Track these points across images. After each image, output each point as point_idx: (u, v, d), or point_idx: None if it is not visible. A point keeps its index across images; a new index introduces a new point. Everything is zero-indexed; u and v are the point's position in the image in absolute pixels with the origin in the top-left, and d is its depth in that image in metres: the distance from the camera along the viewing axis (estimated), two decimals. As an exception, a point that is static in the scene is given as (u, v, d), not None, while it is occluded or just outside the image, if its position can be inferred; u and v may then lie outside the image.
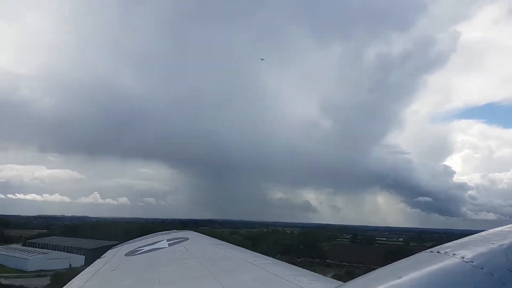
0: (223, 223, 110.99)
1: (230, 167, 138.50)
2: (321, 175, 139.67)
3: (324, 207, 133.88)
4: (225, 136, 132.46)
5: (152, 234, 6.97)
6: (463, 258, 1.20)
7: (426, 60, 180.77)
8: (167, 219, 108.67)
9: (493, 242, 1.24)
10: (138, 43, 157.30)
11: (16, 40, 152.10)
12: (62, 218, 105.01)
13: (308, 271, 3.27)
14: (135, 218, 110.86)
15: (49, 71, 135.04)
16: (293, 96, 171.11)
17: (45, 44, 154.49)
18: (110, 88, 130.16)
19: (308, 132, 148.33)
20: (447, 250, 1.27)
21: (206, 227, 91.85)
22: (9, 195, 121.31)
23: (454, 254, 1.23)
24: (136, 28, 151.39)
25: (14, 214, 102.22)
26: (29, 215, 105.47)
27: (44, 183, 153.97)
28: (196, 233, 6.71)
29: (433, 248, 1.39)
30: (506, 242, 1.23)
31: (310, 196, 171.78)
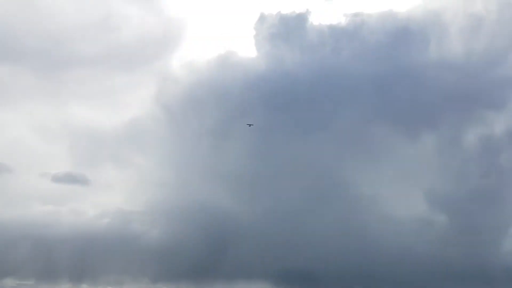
0: None
1: (332, 279, 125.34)
2: (442, 279, 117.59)
3: None
4: (323, 245, 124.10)
5: None
6: None
7: None
8: None
9: None
10: (228, 166, 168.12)
11: (127, 181, 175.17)
12: None
13: None
14: None
15: (155, 204, 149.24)
16: (392, 195, 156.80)
17: (151, 181, 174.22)
18: (209, 211, 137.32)
19: (418, 231, 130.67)
20: None
21: None
22: None
23: None
24: (225, 154, 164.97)
25: None
26: None
27: None
28: None
29: None
30: None
31: None
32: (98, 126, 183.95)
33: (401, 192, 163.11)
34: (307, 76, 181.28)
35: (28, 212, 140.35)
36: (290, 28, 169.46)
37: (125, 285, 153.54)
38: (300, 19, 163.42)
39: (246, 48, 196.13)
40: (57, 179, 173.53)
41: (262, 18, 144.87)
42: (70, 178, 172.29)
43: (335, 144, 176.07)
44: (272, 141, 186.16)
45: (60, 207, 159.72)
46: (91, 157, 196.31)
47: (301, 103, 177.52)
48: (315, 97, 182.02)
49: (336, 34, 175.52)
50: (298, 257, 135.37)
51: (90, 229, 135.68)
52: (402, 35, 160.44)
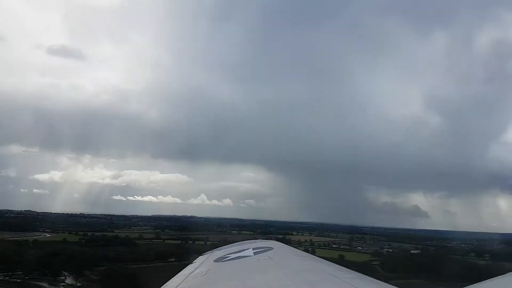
0: (323, 226, 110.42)
1: (327, 170, 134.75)
2: (431, 177, 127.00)
3: (436, 211, 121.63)
4: (319, 137, 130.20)
5: (240, 242, 7.29)
6: None
7: None
8: (266, 220, 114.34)
9: None
10: (227, 53, 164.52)
11: (123, 59, 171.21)
12: (175, 218, 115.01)
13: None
14: (237, 218, 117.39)
15: (152, 85, 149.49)
16: (393, 93, 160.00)
17: (147, 61, 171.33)
18: (205, 97, 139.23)
19: (413, 131, 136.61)
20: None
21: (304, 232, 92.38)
22: (129, 197, 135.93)
23: None
24: (224, 40, 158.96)
25: (133, 214, 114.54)
26: (147, 215, 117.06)
27: (159, 186, 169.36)
28: (281, 243, 6.81)
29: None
30: None
31: (419, 200, 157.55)
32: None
33: (400, 91, 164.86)
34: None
35: (27, 82, 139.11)
36: None
37: (127, 158, 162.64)
38: None
39: None
40: (53, 51, 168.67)
41: None
42: (65, 52, 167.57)
43: (341, 36, 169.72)
44: (276, 27, 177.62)
45: (59, 81, 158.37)
46: (86, 30, 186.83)
47: None
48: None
49: None
50: (292, 148, 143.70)
51: (90, 104, 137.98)
52: None
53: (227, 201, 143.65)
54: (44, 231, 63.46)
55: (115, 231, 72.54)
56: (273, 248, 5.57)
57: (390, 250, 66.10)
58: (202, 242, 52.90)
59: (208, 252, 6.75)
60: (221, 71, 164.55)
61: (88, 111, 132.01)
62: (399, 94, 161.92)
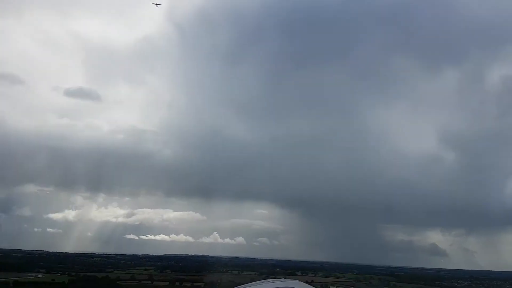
0: (338, 266, 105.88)
1: (340, 207, 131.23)
2: (448, 214, 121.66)
3: (454, 250, 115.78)
4: (332, 175, 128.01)
5: (262, 280, 7.51)
6: None
7: None
8: (279, 259, 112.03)
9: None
10: (240, 93, 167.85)
11: (141, 100, 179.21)
12: (184, 257, 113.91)
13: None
14: (250, 258, 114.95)
15: (167, 125, 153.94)
16: (405, 129, 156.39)
17: (162, 102, 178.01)
18: (219, 136, 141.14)
19: (427, 167, 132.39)
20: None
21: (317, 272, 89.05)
22: (142, 236, 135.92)
23: None
24: (238, 79, 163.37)
25: (144, 253, 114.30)
26: (158, 254, 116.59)
27: (171, 224, 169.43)
28: (303, 283, 7.02)
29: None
30: None
31: (437, 238, 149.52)
32: (109, 41, 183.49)
33: (412, 127, 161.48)
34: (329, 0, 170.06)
35: (44, 124, 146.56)
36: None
37: (141, 196, 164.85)
38: None
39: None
40: (70, 93, 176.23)
41: None
42: (82, 93, 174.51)
43: (350, 74, 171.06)
44: (286, 68, 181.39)
45: (75, 121, 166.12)
46: (103, 73, 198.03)
47: (319, 29, 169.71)
48: (334, 23, 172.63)
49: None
50: (305, 185, 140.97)
51: (105, 143, 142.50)
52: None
53: (240, 239, 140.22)
54: (38, 271, 63.51)
55: (116, 271, 71.60)
56: None
57: None
58: (201, 284, 51.00)
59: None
60: (234, 110, 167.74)
61: (103, 150, 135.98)
62: (411, 130, 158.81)
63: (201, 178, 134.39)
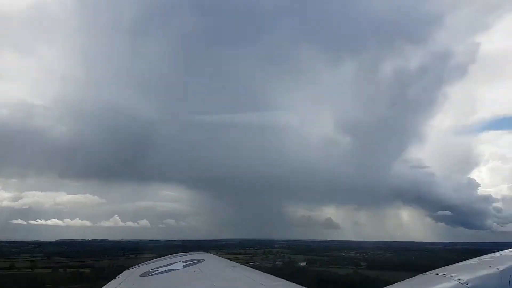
0: (244, 243, 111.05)
1: (248, 188, 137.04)
2: (343, 192, 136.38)
3: (346, 223, 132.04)
4: (240, 156, 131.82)
5: (169, 255, 7.02)
6: (459, 280, 1.28)
7: (444, 72, 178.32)
8: (185, 240, 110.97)
9: (490, 266, 1.32)
10: (147, 69, 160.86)
11: (31, 72, 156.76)
12: (80, 243, 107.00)
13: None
14: (154, 240, 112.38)
15: (61, 100, 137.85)
16: (309, 116, 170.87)
17: (57, 75, 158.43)
18: (123, 114, 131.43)
19: (326, 150, 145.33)
20: (445, 273, 1.35)
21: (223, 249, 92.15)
22: (31, 221, 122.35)
23: (452, 276, 1.30)
24: (144, 56, 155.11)
25: (34, 240, 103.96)
26: (49, 240, 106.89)
27: (66, 208, 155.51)
28: (212, 255, 6.78)
29: (433, 270, 1.46)
30: (502, 266, 1.30)
31: (332, 213, 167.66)
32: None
33: (315, 115, 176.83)
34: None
35: None
36: None
37: (29, 178, 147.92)
38: None
39: None
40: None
41: None
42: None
43: (259, 61, 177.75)
44: (198, 47, 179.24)
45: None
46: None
47: (233, 10, 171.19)
48: (248, 7, 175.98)
49: None
50: (214, 166, 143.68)
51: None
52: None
53: (144, 222, 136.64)
54: None
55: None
56: (204, 260, 5.58)
57: (281, 263, 66.57)
58: (89, 270, 49.28)
59: (134, 266, 6.48)
60: (140, 88, 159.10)
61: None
62: (314, 117, 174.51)
63: (100, 158, 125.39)
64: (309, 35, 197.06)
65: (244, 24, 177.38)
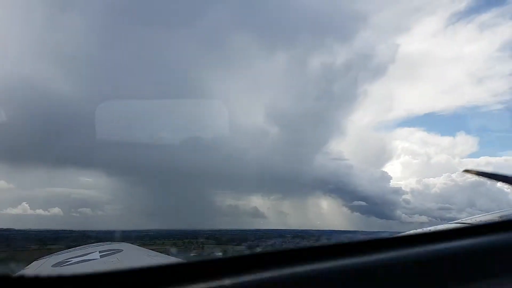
0: (170, 233, 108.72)
1: (174, 176, 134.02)
2: (269, 181, 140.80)
3: (271, 212, 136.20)
4: (167, 142, 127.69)
5: (84, 245, 6.61)
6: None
7: (366, 70, 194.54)
8: (101, 230, 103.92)
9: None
10: (68, 44, 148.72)
11: None
12: None
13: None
14: (67, 230, 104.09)
15: None
16: (241, 104, 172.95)
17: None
18: (37, 91, 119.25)
19: (255, 139, 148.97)
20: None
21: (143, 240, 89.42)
22: None
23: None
24: (65, 29, 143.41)
25: None
26: None
27: None
28: (131, 245, 6.55)
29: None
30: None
31: (258, 202, 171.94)
32: None
33: (247, 104, 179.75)
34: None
35: None
36: None
37: None
38: None
39: None
40: None
41: None
42: None
43: (194, 44, 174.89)
44: (127, 25, 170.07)
45: None
46: None
47: None
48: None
49: None
50: (138, 152, 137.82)
51: None
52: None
53: (56, 210, 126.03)
54: None
55: None
56: (122, 250, 5.44)
57: (195, 254, 68.67)
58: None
59: (46, 256, 6.08)
60: (59, 63, 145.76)
61: None
62: (246, 105, 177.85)
63: (8, 139, 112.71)
64: (244, 22, 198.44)
65: (179, 5, 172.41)
